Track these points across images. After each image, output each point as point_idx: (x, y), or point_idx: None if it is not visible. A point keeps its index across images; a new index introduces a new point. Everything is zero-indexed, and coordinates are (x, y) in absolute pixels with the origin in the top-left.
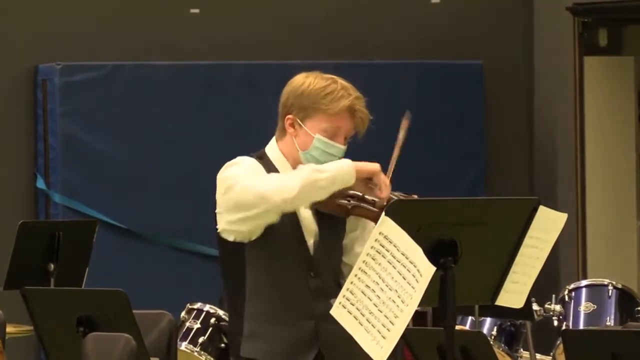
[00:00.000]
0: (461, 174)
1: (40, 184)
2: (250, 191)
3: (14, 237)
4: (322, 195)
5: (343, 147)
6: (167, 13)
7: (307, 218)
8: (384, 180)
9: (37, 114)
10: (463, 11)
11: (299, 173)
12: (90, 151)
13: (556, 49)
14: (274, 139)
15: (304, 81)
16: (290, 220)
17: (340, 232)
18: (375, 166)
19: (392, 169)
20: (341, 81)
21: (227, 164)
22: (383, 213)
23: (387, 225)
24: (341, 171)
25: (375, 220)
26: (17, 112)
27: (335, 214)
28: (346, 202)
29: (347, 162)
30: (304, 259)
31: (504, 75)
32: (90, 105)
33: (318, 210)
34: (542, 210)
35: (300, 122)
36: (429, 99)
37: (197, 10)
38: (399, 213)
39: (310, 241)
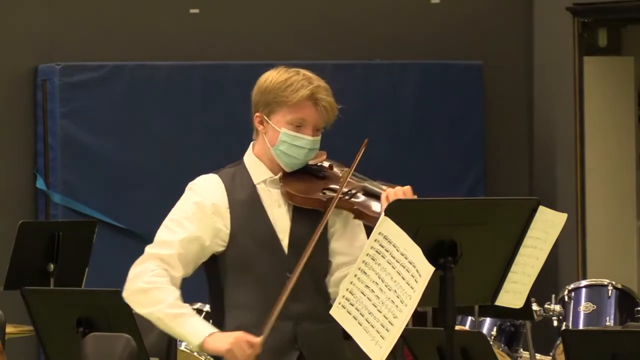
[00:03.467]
0: (461, 174)
1: (40, 184)
2: (133, 278)
3: (14, 237)
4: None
5: (311, 139)
6: (167, 13)
7: (279, 215)
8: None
9: (37, 114)
10: (463, 11)
11: (168, 306)
12: (90, 151)
13: (556, 49)
14: (251, 143)
15: (268, 77)
16: (261, 219)
17: (317, 227)
18: (223, 347)
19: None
20: (304, 72)
21: (189, 184)
22: (383, 213)
23: (386, 225)
24: (187, 339)
25: (351, 211)
26: (17, 113)
27: (312, 208)
28: (321, 194)
29: (197, 338)
30: (279, 258)
31: (504, 75)
32: (90, 105)
33: (294, 206)
34: (542, 210)
35: (267, 118)
36: (429, 99)
37: (197, 10)
38: (398, 213)
39: (285, 239)
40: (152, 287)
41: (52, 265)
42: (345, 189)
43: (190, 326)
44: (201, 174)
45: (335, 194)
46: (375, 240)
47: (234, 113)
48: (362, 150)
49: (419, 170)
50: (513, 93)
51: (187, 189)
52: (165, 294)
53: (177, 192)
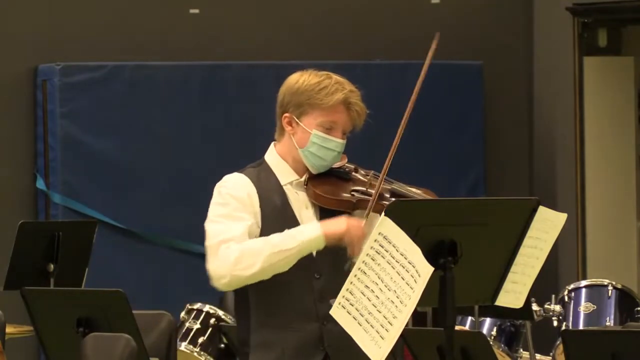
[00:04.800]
0: (461, 174)
1: (40, 184)
2: (220, 263)
3: (14, 237)
4: (286, 267)
5: (341, 142)
6: (167, 13)
7: (307, 218)
8: (353, 239)
9: (37, 114)
10: (463, 11)
11: (266, 244)
12: (90, 151)
13: (556, 49)
14: (272, 143)
15: (299, 79)
16: (290, 221)
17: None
18: (342, 227)
19: (395, 148)
20: (335, 77)
21: (217, 185)
22: (383, 213)
23: (386, 225)
24: (308, 241)
25: (381, 212)
26: (17, 113)
27: (341, 209)
28: (350, 196)
29: (315, 230)
30: (307, 260)
31: (504, 75)
32: (90, 105)
33: (321, 207)
34: (542, 210)
35: (297, 120)
36: (429, 99)
37: (197, 11)
38: (398, 213)
39: None
40: (242, 250)
41: (52, 265)
42: (373, 190)
43: (300, 235)
44: (201, 175)
45: (368, 197)
46: (375, 241)
47: (234, 113)
48: (393, 151)
49: (419, 170)
50: (513, 93)
51: (216, 188)
52: (256, 244)
53: (176, 192)
